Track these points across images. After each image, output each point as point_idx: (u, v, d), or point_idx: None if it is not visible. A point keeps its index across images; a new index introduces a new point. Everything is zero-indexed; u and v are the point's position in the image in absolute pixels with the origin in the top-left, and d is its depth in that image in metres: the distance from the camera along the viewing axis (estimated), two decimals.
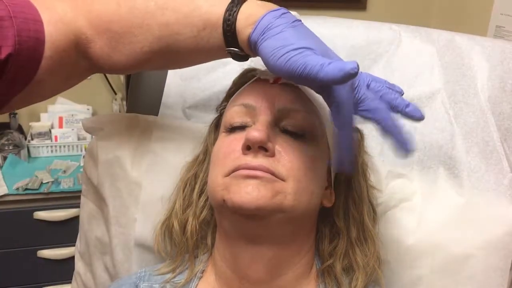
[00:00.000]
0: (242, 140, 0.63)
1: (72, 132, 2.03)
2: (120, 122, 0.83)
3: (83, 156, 1.95)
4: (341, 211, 0.71)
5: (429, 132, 0.79)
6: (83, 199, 0.88)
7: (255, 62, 0.84)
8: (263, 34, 0.56)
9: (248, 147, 0.62)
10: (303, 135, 0.65)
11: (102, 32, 0.63)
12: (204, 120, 0.83)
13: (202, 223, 0.73)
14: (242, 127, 0.67)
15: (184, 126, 0.83)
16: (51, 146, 2.02)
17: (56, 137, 2.02)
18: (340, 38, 0.85)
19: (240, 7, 0.59)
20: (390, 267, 0.74)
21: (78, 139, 2.04)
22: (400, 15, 2.17)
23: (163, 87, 0.87)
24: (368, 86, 0.64)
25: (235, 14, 0.59)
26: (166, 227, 0.75)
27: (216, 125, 0.78)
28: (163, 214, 0.76)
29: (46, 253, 1.83)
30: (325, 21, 0.88)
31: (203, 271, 0.72)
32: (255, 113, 0.66)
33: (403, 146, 0.58)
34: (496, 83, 0.79)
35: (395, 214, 0.75)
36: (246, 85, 0.73)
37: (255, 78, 0.72)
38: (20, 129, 2.04)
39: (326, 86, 0.55)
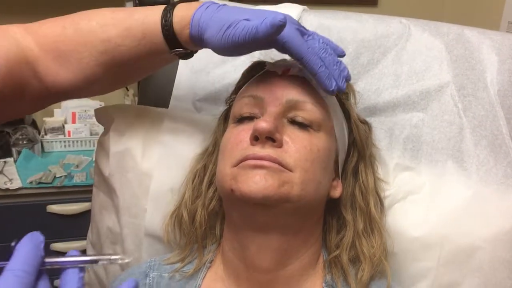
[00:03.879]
0: (250, 131, 0.64)
1: (84, 128, 2.06)
2: (131, 113, 0.84)
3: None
4: (348, 203, 0.72)
5: (438, 125, 0.79)
6: (95, 190, 0.89)
7: (264, 55, 0.85)
8: (199, 29, 0.63)
9: (256, 138, 0.63)
10: (310, 126, 0.66)
11: (49, 50, 0.68)
12: (213, 113, 0.84)
13: (211, 214, 0.74)
14: (250, 118, 0.68)
15: (194, 119, 0.84)
16: (64, 141, 2.05)
17: (69, 132, 2.04)
18: (350, 32, 0.86)
19: (173, 12, 0.65)
20: (397, 259, 0.74)
21: (91, 134, 2.07)
22: (411, 11, 2.15)
23: (174, 80, 0.88)
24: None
25: (169, 19, 0.65)
26: (176, 217, 0.76)
27: (225, 117, 0.78)
28: (173, 204, 0.78)
29: (59, 246, 1.86)
30: (335, 15, 0.88)
31: (211, 261, 0.73)
32: (263, 105, 0.67)
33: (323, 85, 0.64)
34: (506, 77, 0.79)
35: (402, 207, 0.76)
36: (254, 77, 0.74)
37: (263, 70, 0.72)
38: (34, 124, 2.07)
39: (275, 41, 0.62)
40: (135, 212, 0.82)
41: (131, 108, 0.86)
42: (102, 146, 0.86)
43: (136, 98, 2.01)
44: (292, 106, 0.66)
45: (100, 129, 2.06)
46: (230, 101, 0.79)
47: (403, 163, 0.79)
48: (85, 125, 2.05)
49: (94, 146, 2.06)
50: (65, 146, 2.05)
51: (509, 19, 1.62)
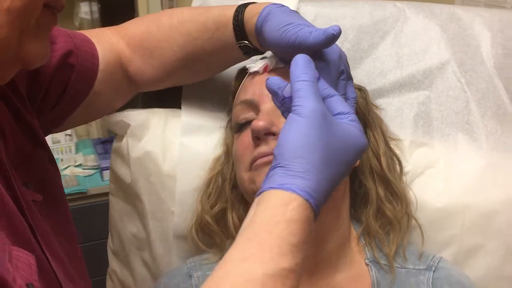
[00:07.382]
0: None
1: None
2: (145, 117, 0.83)
3: None
4: (366, 170, 0.75)
5: (444, 101, 0.83)
6: (112, 198, 0.88)
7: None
8: (266, 17, 0.64)
9: (257, 138, 0.65)
10: None
11: (136, 49, 0.74)
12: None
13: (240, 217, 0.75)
14: (248, 123, 0.69)
15: (210, 115, 0.84)
16: None
17: None
18: (348, 19, 0.88)
19: (247, 6, 0.68)
20: (424, 230, 0.78)
21: None
22: None
23: None
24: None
25: (242, 11, 0.68)
26: (199, 225, 0.77)
27: (231, 127, 0.79)
28: (196, 210, 0.78)
29: None
30: (331, 3, 0.91)
31: None
32: (256, 105, 0.69)
33: None
34: (499, 50, 0.84)
35: (422, 181, 0.79)
36: (242, 83, 0.75)
37: (247, 74, 0.74)
38: None
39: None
40: (161, 216, 0.81)
41: (144, 112, 0.85)
42: (118, 153, 0.84)
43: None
44: None
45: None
46: (229, 110, 0.80)
47: (417, 140, 0.82)
48: None
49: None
50: None
51: None
